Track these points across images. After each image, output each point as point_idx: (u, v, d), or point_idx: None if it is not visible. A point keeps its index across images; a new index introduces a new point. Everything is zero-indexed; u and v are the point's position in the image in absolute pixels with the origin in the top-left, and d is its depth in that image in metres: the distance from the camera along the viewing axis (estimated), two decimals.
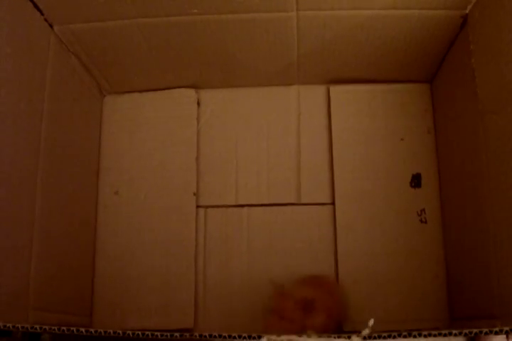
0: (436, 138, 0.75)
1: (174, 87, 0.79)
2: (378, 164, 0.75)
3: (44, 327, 0.44)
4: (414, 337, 0.42)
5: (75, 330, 0.44)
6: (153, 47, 0.69)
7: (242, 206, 0.76)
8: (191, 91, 0.79)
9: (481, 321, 0.57)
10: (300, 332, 0.54)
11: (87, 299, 0.72)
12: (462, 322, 0.64)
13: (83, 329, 0.44)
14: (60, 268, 0.64)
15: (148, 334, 0.43)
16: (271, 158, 0.77)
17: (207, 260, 0.74)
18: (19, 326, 0.44)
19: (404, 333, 0.42)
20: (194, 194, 0.75)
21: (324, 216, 0.74)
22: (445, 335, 0.42)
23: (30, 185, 0.58)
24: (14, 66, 0.55)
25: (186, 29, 0.65)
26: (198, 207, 0.75)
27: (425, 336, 0.42)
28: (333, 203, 0.74)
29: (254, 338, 0.42)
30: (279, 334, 0.43)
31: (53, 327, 0.44)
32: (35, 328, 0.44)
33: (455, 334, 0.41)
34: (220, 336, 0.42)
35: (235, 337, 0.42)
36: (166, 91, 0.79)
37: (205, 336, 0.43)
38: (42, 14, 0.61)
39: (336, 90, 0.78)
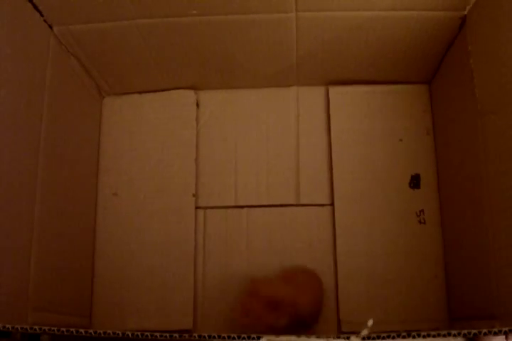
0: (435, 138, 0.75)
1: (173, 88, 0.79)
2: (377, 165, 0.75)
3: (43, 328, 0.44)
4: (413, 337, 0.42)
5: (74, 331, 0.44)
6: (153, 48, 0.69)
7: (242, 207, 0.76)
8: (190, 93, 0.79)
9: (480, 321, 0.58)
10: (266, 330, 0.56)
11: (86, 300, 0.72)
12: (461, 323, 0.64)
13: (82, 330, 0.44)
14: (59, 269, 0.64)
15: (147, 335, 0.43)
16: (270, 159, 0.77)
17: (206, 261, 0.74)
18: (18, 327, 0.44)
19: (403, 333, 0.42)
20: (193, 195, 0.75)
21: (323, 217, 0.74)
22: (444, 336, 0.42)
23: (30, 185, 0.58)
24: (14, 67, 0.55)
25: (185, 30, 0.65)
26: (197, 208, 0.75)
27: (424, 336, 0.42)
28: (332, 204, 0.74)
29: (253, 339, 0.42)
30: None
31: (52, 328, 0.44)
32: (35, 329, 0.44)
33: (454, 335, 0.41)
34: (219, 336, 0.42)
35: (234, 338, 0.42)
36: (165, 92, 0.79)
37: (204, 337, 0.43)
38: (41, 15, 0.61)
39: (335, 91, 0.78)
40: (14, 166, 0.55)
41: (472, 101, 0.59)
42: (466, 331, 0.41)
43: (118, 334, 0.44)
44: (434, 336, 0.42)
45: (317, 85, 0.79)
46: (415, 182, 0.74)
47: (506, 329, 0.41)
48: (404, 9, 0.61)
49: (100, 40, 0.67)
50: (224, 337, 0.42)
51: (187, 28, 0.65)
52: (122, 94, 0.80)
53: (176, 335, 0.43)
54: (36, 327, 0.44)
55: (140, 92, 0.80)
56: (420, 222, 0.72)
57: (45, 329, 0.44)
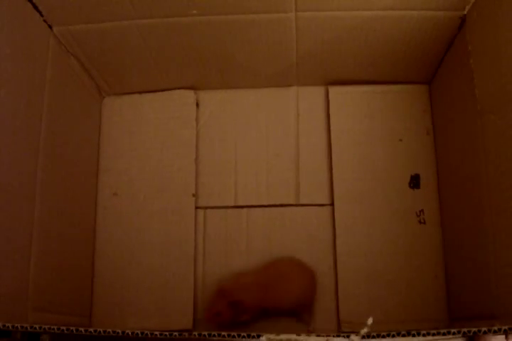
0: (435, 138, 0.75)
1: (173, 88, 0.79)
2: (377, 165, 0.75)
3: (43, 327, 0.44)
4: (413, 336, 0.42)
5: (74, 330, 0.44)
6: (152, 48, 0.69)
7: (242, 207, 0.76)
8: (190, 93, 0.79)
9: (480, 321, 0.57)
10: (229, 327, 0.63)
11: (86, 300, 0.72)
12: (461, 323, 0.64)
13: (82, 329, 0.44)
14: (59, 269, 0.64)
15: (147, 333, 0.44)
16: (270, 159, 0.77)
17: (206, 261, 0.74)
18: (18, 326, 0.44)
19: (403, 332, 0.42)
20: (193, 195, 0.75)
21: (323, 217, 0.74)
22: (444, 334, 0.42)
23: (30, 185, 0.58)
24: (14, 67, 0.55)
25: (185, 30, 0.65)
26: (197, 208, 0.75)
27: (424, 335, 0.42)
28: (332, 204, 0.74)
29: (253, 337, 0.42)
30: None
31: (52, 327, 0.44)
32: (35, 328, 0.44)
33: (454, 334, 0.41)
34: (219, 335, 0.42)
35: (234, 336, 0.42)
36: (165, 92, 0.79)
37: (205, 335, 0.43)
38: (41, 15, 0.61)
39: (334, 91, 0.78)
40: (14, 166, 0.55)
41: (472, 102, 0.59)
42: (465, 330, 0.41)
43: (118, 332, 0.44)
44: (433, 335, 0.42)
45: (317, 85, 0.79)
46: (415, 182, 0.74)
47: (506, 327, 0.41)
48: (404, 9, 0.62)
49: (100, 40, 0.67)
50: (224, 336, 0.42)
51: (187, 28, 0.65)
52: (122, 94, 0.80)
53: (176, 333, 0.43)
54: (36, 326, 0.44)
55: (140, 92, 0.80)
56: (420, 222, 0.72)
57: (45, 328, 0.44)
